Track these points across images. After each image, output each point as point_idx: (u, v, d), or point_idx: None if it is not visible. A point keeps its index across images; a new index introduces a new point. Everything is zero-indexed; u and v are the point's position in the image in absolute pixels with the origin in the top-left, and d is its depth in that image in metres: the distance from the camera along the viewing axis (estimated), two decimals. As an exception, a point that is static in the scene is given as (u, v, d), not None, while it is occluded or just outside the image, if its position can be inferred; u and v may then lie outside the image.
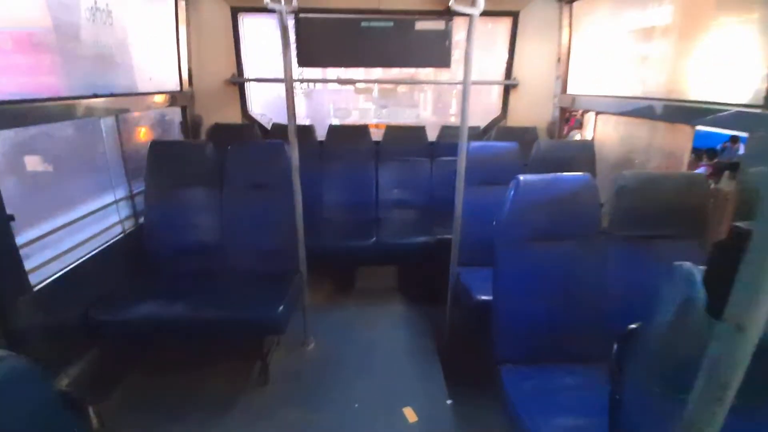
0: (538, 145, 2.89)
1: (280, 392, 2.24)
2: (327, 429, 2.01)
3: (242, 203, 2.60)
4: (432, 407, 2.12)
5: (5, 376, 0.56)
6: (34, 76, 2.09)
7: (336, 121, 3.90)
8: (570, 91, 3.32)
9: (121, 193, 2.49)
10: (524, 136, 3.24)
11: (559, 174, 1.72)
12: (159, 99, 2.86)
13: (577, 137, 3.27)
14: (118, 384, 2.21)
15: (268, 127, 3.66)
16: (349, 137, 3.51)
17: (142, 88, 2.71)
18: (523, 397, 1.50)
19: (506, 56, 3.50)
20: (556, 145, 3.03)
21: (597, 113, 2.95)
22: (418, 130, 3.57)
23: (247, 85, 3.55)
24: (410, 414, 2.08)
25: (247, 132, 3.38)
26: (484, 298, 2.11)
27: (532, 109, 3.55)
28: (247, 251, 2.57)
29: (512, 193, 1.67)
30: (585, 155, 2.80)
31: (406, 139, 3.55)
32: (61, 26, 2.13)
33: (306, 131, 3.38)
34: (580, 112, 3.28)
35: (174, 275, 2.44)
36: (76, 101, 2.00)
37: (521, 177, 1.67)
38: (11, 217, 1.63)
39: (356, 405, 2.14)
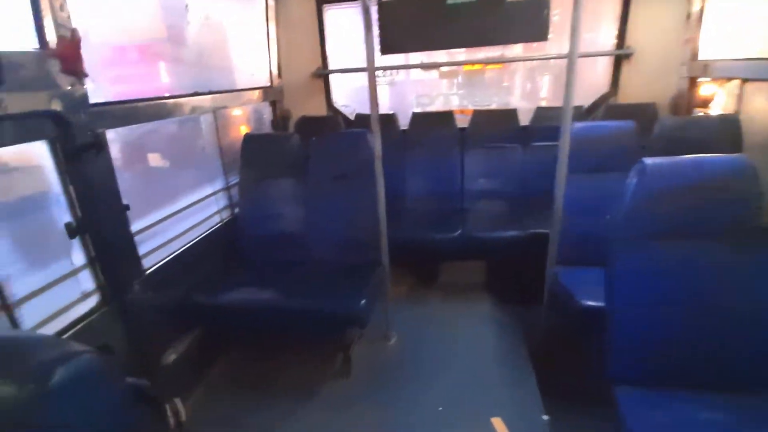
0: (661, 122, 2.42)
1: (362, 386, 2.20)
2: (409, 429, 1.92)
3: (325, 194, 2.62)
4: (525, 421, 1.90)
5: (79, 372, 0.53)
6: (153, 82, 2.31)
7: (419, 109, 3.75)
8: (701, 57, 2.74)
9: (218, 185, 2.67)
10: (640, 113, 2.75)
11: (702, 156, 1.37)
12: (252, 95, 3.01)
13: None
14: (211, 366, 2.38)
15: (352, 117, 3.66)
16: (432, 124, 3.35)
17: (241, 85, 2.87)
18: (648, 429, 1.23)
19: (614, 24, 3.02)
20: (686, 122, 2.51)
21: (743, 81, 2.37)
22: (508, 114, 3.27)
23: (331, 77, 3.58)
24: (500, 425, 1.89)
25: (332, 123, 3.41)
26: (590, 303, 1.83)
27: (650, 82, 3.01)
28: (330, 242, 2.58)
29: (635, 180, 1.37)
30: (727, 133, 2.26)
31: (494, 124, 3.27)
32: (173, 35, 2.32)
33: (388, 120, 3.30)
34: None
35: (263, 264, 2.54)
36: (179, 100, 2.15)
37: (648, 161, 1.36)
38: (127, 207, 1.80)
39: (440, 408, 2.01)
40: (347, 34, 3.48)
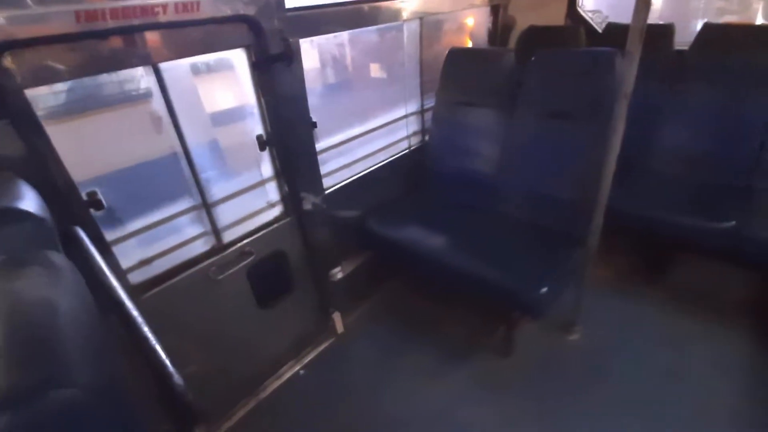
0: None
1: (521, 375, 1.84)
2: None
3: (534, 133, 2.04)
4: None
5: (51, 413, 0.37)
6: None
7: (719, 18, 2.43)
8: None
9: (412, 107, 2.41)
10: None
11: None
12: (472, -2, 2.46)
13: None
14: (373, 292, 2.39)
15: (600, 29, 2.67)
16: (738, 44, 2.11)
17: None
18: None
19: None
20: None
21: None
22: None
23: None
24: None
25: (569, 36, 2.55)
26: None
27: None
28: (525, 196, 2.06)
29: None
30: None
31: None
32: None
33: (658, 34, 2.24)
34: None
35: (444, 203, 2.27)
36: (381, 3, 1.87)
37: None
38: (314, 124, 1.75)
39: None
40: None
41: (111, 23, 1.04)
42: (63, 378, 0.41)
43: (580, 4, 2.72)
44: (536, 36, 2.64)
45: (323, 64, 1.97)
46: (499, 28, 2.73)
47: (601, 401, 1.67)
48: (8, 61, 0.95)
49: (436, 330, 2.12)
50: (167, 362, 0.64)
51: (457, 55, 2.27)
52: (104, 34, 1.05)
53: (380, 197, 2.26)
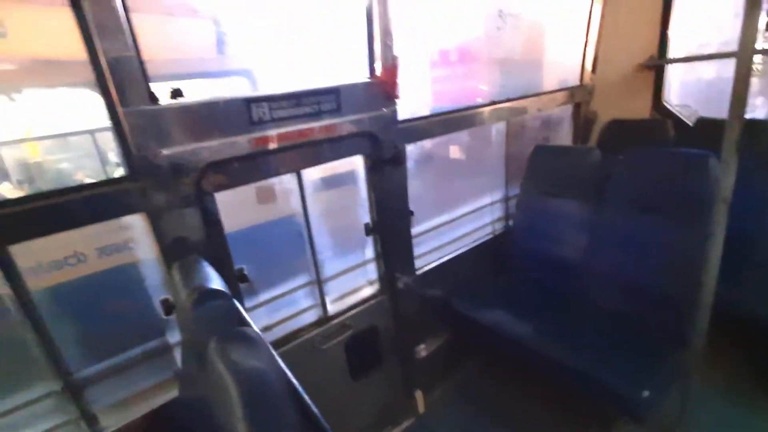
0: None
1: None
2: None
3: (624, 227, 2.05)
4: None
5: None
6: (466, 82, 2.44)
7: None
8: None
9: (497, 194, 2.58)
10: None
11: None
12: (554, 98, 2.68)
13: None
14: (455, 371, 2.40)
15: (690, 122, 2.69)
16: None
17: (546, 82, 2.64)
18: None
19: None
20: None
21: None
22: None
23: (667, 68, 2.73)
24: None
25: (655, 130, 2.60)
26: None
27: None
28: (618, 288, 2.03)
29: None
30: None
31: None
32: (487, 34, 2.34)
33: (757, 130, 2.21)
34: None
35: (530, 289, 2.31)
36: (475, 111, 2.14)
37: None
38: (411, 213, 1.99)
39: None
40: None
41: (274, 145, 1.39)
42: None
43: (666, 98, 2.80)
44: (620, 128, 2.74)
45: (422, 159, 2.25)
46: (582, 123, 2.88)
47: None
48: (207, 175, 1.31)
49: (520, 420, 2.05)
50: (323, 421, 0.79)
51: (542, 151, 2.44)
52: (268, 153, 1.40)
53: (464, 278, 2.36)
